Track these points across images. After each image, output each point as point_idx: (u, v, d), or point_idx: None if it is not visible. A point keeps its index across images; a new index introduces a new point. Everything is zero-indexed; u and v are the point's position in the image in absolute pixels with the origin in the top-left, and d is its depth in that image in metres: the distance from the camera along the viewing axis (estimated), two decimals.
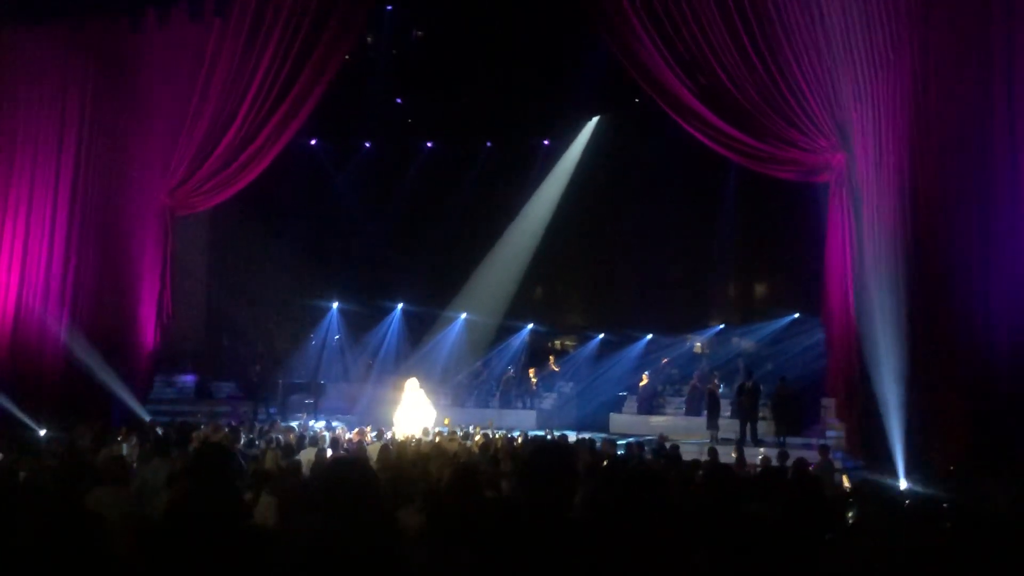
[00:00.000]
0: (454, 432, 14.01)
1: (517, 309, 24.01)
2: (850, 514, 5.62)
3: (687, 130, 14.75)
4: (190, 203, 16.75)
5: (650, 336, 22.88)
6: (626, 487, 3.55)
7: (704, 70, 14.06)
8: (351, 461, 5.45)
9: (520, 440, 12.65)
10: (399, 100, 22.79)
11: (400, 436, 13.44)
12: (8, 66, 15.26)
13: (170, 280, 16.53)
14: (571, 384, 22.59)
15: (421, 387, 17.70)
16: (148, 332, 16.06)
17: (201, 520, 3.44)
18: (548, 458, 3.39)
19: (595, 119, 22.46)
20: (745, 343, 21.52)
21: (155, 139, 16.29)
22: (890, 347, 11.40)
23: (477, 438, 13.02)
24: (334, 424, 17.12)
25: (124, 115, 16.13)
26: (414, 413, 16.73)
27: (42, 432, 11.79)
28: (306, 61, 15.90)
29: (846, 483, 8.08)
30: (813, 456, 10.77)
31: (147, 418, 14.34)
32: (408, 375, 18.47)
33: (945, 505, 4.24)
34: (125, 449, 9.83)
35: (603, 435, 16.07)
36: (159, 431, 12.57)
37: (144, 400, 15.71)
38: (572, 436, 13.24)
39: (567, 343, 25.41)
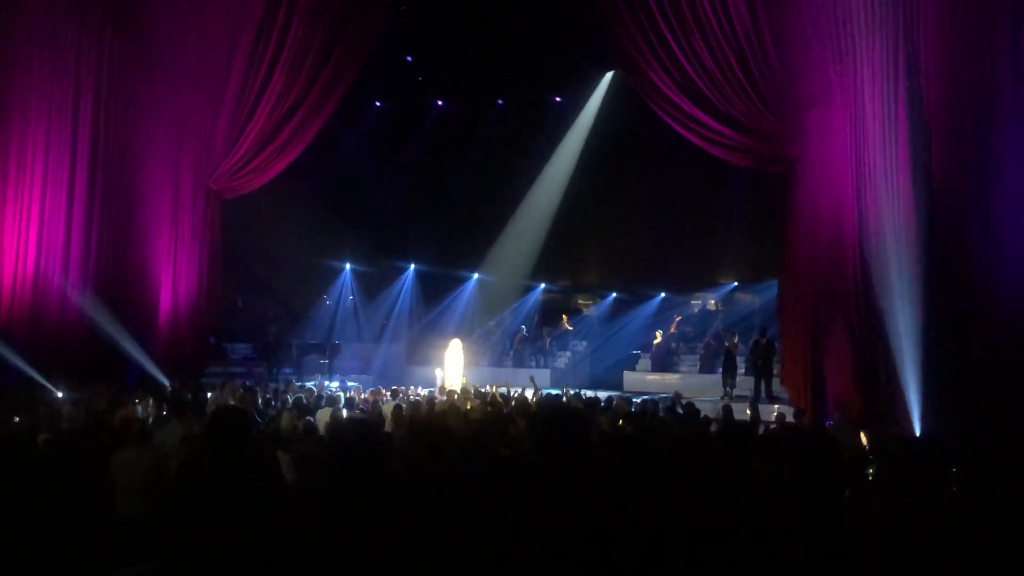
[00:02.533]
0: (468, 391, 14.07)
1: (530, 269, 23.98)
2: (870, 471, 5.60)
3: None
4: (234, 186, 16.84)
5: (663, 294, 22.84)
6: (641, 447, 3.53)
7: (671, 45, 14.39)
8: (368, 421, 5.46)
9: (535, 399, 12.68)
10: (409, 58, 22.57)
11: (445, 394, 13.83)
12: (20, 28, 15.06)
13: (216, 265, 16.87)
14: (584, 343, 22.62)
15: (463, 348, 18.03)
16: (166, 297, 16.17)
17: (216, 481, 3.46)
18: (558, 420, 3.38)
19: (609, 74, 22.14)
20: (758, 300, 21.45)
21: (179, 105, 16.24)
22: (905, 301, 11.31)
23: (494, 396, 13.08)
24: (349, 384, 17.23)
25: (143, 80, 15.99)
26: (455, 373, 17.21)
27: (59, 395, 11.88)
28: (346, 25, 16.10)
29: (864, 440, 8.05)
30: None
31: (165, 382, 14.43)
32: (455, 336, 18.80)
33: (966, 460, 4.21)
34: (140, 411, 9.90)
35: (618, 393, 16.10)
36: (174, 392, 12.68)
37: (196, 369, 15.97)
38: (595, 395, 13.25)
39: (580, 302, 25.41)
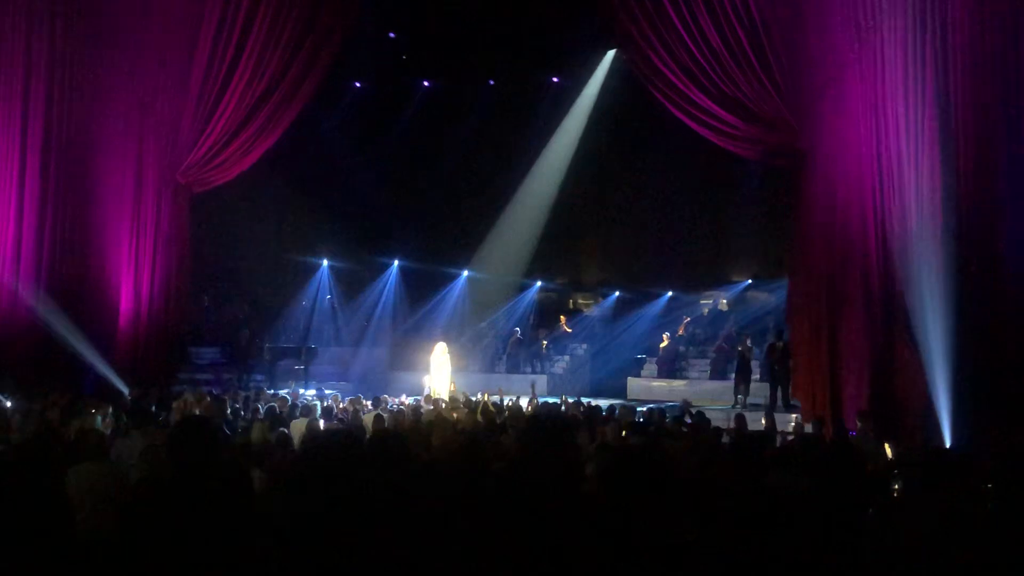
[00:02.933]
0: (457, 399, 14.08)
1: (524, 265, 23.99)
2: (895, 486, 5.61)
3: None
4: (205, 178, 16.87)
5: (671, 293, 22.87)
6: (644, 460, 3.54)
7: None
8: (347, 432, 5.45)
9: (531, 408, 12.69)
10: (392, 34, 22.54)
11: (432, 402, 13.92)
12: None
13: (186, 265, 16.99)
14: (584, 346, 22.65)
15: (449, 352, 18.12)
16: (127, 298, 16.15)
17: (179, 496, 3.45)
18: (546, 431, 3.38)
19: (612, 53, 22.12)
20: (775, 299, 21.49)
21: (140, 89, 16.22)
22: (932, 303, 11.34)
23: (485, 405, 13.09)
24: (326, 392, 17.22)
25: (100, 63, 15.93)
26: (442, 379, 17.34)
27: (8, 404, 11.83)
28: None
29: (889, 452, 8.07)
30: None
31: (125, 390, 14.40)
32: (435, 339, 18.90)
33: (1001, 474, 4.23)
34: (98, 422, 9.87)
35: (621, 401, 16.12)
36: (135, 402, 12.63)
37: (164, 376, 15.96)
38: (592, 402, 13.27)
39: (580, 301, 25.43)
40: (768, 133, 14.19)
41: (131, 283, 16.26)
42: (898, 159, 12.11)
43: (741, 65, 13.98)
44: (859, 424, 10.67)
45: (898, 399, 11.85)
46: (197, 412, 10.96)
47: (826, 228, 13.41)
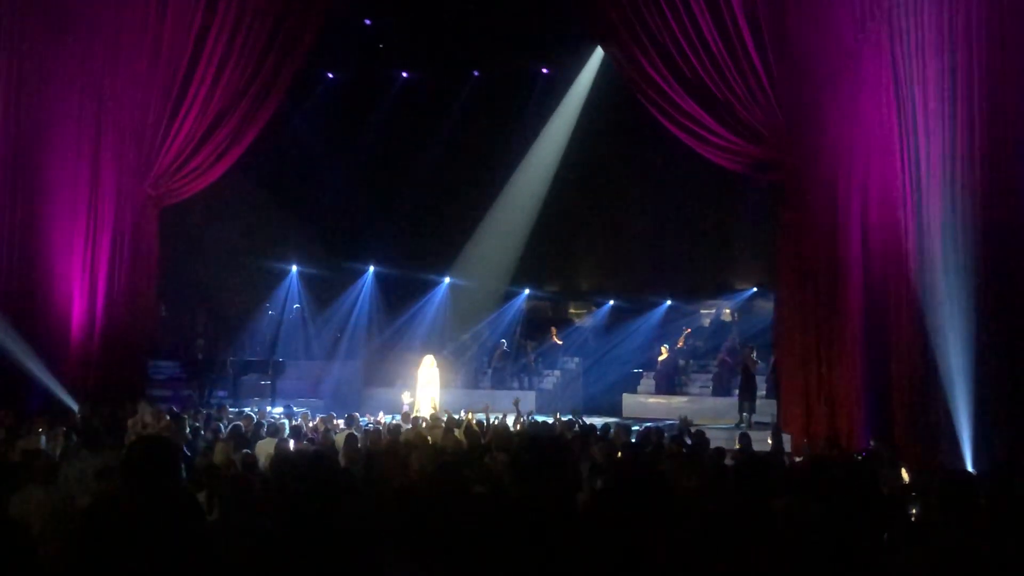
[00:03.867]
0: (438, 417, 14.06)
1: (511, 271, 24.00)
2: (912, 510, 5.64)
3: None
4: (176, 188, 17.02)
5: (669, 302, 22.92)
6: (640, 482, 3.55)
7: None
8: (319, 454, 5.45)
9: (519, 427, 12.69)
10: (367, 21, 22.55)
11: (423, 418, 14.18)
12: None
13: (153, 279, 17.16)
14: (576, 360, 22.67)
15: (437, 366, 18.30)
16: (79, 311, 16.06)
17: (134, 522, 3.43)
18: (542, 453, 3.39)
19: None
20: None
21: (95, 76, 16.18)
22: (953, 315, 11.39)
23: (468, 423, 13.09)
24: (296, 410, 17.17)
25: (55, 46, 15.86)
26: (428, 395, 17.59)
27: None
28: None
29: (905, 476, 8.11)
30: None
31: (75, 407, 14.31)
32: (425, 352, 19.05)
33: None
34: (43, 442, 9.82)
35: (615, 419, 16.14)
36: (85, 419, 12.56)
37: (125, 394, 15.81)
38: (580, 420, 13.29)
39: (572, 311, 25.46)
40: (755, 145, 14.37)
41: (85, 293, 16.17)
42: (911, 161, 12.19)
43: (731, 66, 14.12)
44: (873, 444, 10.71)
45: (914, 418, 11.90)
46: (153, 431, 10.91)
47: (820, 243, 13.57)
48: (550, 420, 13.52)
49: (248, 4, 16.36)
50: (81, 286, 16.17)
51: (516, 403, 14.60)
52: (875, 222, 12.59)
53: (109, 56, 16.20)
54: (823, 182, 13.61)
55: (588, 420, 13.66)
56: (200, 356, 20.15)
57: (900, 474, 8.27)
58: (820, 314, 13.68)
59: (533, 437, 4.08)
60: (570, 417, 13.35)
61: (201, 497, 6.27)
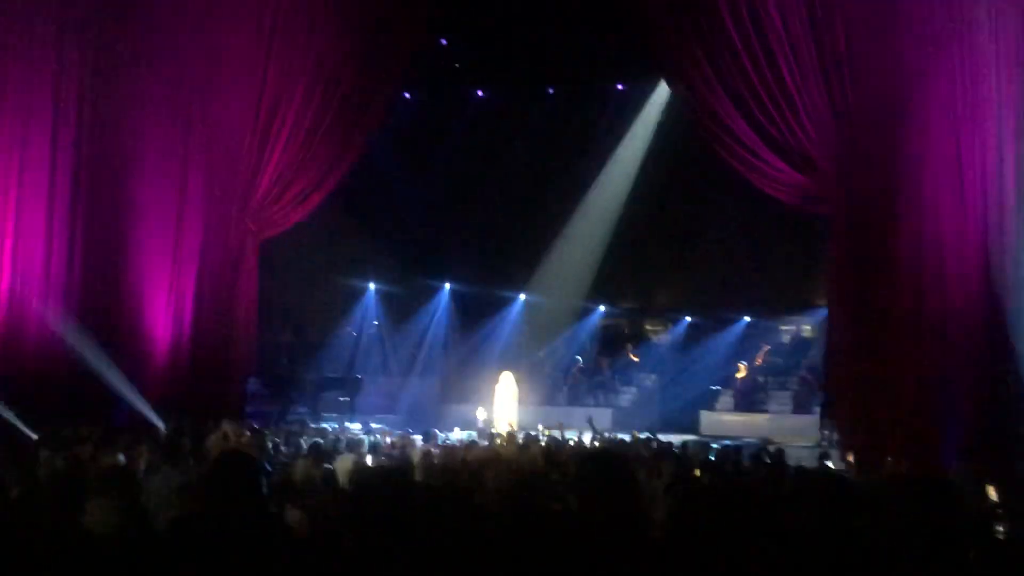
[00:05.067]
0: (514, 434, 14.10)
1: (587, 288, 23.93)
2: (999, 528, 5.51)
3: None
4: (274, 220, 17.44)
5: (748, 319, 22.65)
6: (718, 503, 3.53)
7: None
8: (397, 470, 5.52)
9: (596, 444, 12.69)
10: (443, 40, 22.77)
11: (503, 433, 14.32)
12: None
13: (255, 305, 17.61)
14: (653, 376, 22.51)
15: (517, 383, 18.52)
16: (160, 327, 16.34)
17: (217, 538, 3.52)
18: (599, 469, 3.39)
19: None
20: None
21: (182, 88, 16.58)
22: None
23: (543, 441, 13.09)
24: (373, 426, 17.36)
25: (138, 70, 16.28)
26: (506, 412, 17.80)
27: (35, 437, 12.08)
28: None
29: (993, 494, 7.90)
30: None
31: (160, 424, 14.61)
32: (501, 368, 19.28)
33: None
34: (122, 458, 10.04)
35: (693, 437, 16.00)
36: (169, 436, 12.82)
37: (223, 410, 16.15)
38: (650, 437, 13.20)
39: (648, 327, 25.29)
40: (807, 178, 14.14)
41: (171, 313, 16.44)
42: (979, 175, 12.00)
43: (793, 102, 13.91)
44: (958, 462, 10.48)
45: (1001, 434, 11.62)
46: (236, 448, 11.11)
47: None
48: (627, 438, 13.47)
49: (335, 28, 16.59)
50: (167, 306, 16.45)
51: (591, 420, 14.55)
52: (947, 238, 12.38)
53: (196, 82, 16.55)
54: (874, 210, 13.35)
55: (665, 438, 13.56)
56: (283, 373, 20.45)
57: (986, 493, 8.06)
58: (877, 335, 13.36)
59: (592, 454, 4.08)
60: (647, 435, 13.28)
61: (292, 513, 6.37)
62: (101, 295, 15.91)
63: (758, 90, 13.98)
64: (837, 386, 14.42)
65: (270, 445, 12.14)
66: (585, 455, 7.13)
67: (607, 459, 3.49)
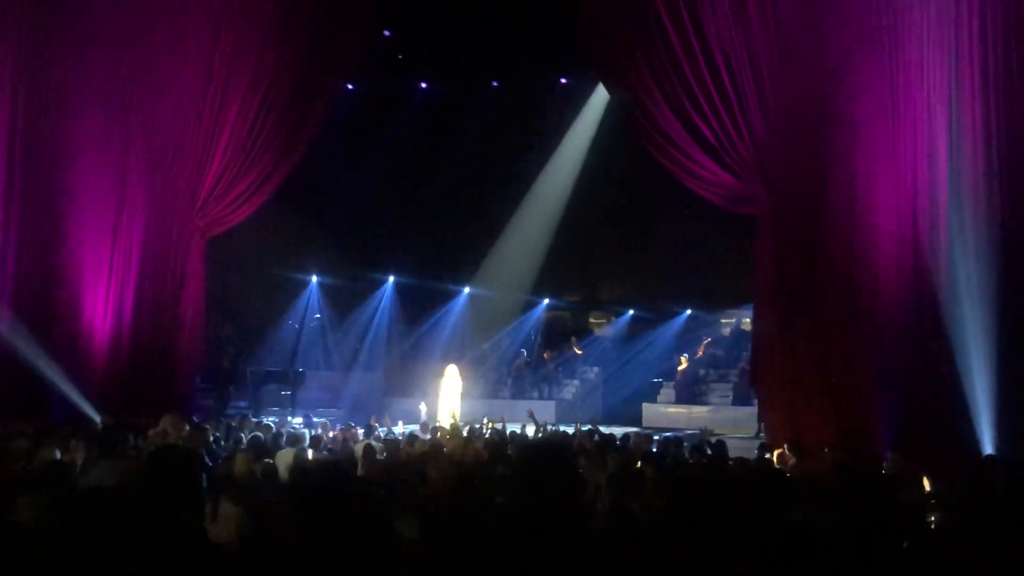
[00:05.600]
0: (457, 428, 14.09)
1: (531, 281, 23.99)
2: (931, 518, 5.61)
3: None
4: (222, 217, 16.95)
5: (689, 312, 22.86)
6: (661, 494, 3.55)
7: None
8: (337, 464, 5.47)
9: (542, 435, 12.71)
10: (387, 32, 22.64)
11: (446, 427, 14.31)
12: None
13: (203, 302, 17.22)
14: (596, 369, 22.65)
15: (461, 376, 18.42)
16: (98, 321, 16.03)
17: (155, 533, 3.46)
18: (541, 461, 3.39)
19: None
20: None
21: (118, 78, 16.16)
22: (970, 313, 11.38)
23: (487, 433, 13.10)
24: (315, 420, 17.23)
25: (76, 54, 15.92)
26: (449, 405, 17.76)
27: None
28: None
29: (927, 485, 8.06)
30: None
31: (97, 418, 14.38)
32: (445, 362, 19.19)
33: None
34: (58, 453, 9.87)
35: (635, 429, 16.11)
36: (107, 430, 12.62)
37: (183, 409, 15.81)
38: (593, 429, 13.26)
39: (592, 321, 25.42)
40: (735, 179, 14.24)
41: (111, 306, 16.13)
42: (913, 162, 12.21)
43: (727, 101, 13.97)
44: (891, 453, 10.65)
45: (933, 422, 11.85)
46: (173, 441, 10.96)
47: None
48: (570, 430, 13.51)
49: (282, 23, 16.31)
50: (107, 300, 16.10)
51: (531, 414, 14.60)
52: (883, 226, 12.55)
53: (137, 71, 16.19)
54: (803, 209, 13.47)
55: (608, 430, 13.64)
56: (223, 366, 20.22)
57: (920, 483, 8.22)
58: (806, 333, 13.49)
59: (534, 446, 4.08)
60: (589, 427, 13.34)
61: (227, 507, 6.29)
62: (37, 288, 15.54)
63: (694, 90, 13.99)
64: (765, 384, 14.54)
65: (211, 439, 11.98)
66: (527, 446, 7.15)
67: (549, 451, 3.48)
